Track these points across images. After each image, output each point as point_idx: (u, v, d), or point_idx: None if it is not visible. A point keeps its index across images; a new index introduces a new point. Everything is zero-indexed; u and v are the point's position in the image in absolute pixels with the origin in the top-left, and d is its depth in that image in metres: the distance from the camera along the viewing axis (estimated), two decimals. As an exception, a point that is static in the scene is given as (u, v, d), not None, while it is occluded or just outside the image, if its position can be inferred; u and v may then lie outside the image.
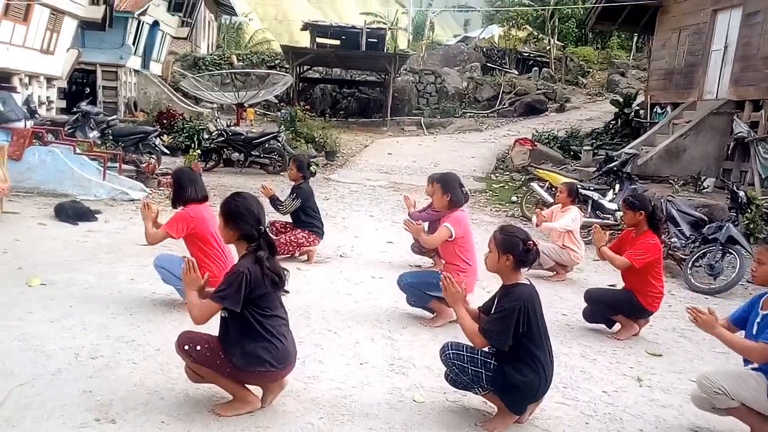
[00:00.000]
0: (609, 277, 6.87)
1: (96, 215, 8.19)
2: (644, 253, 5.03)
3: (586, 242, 7.44)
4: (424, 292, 5.11)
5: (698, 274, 7.29)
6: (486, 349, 3.43)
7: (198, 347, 3.25)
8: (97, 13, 16.79)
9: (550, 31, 30.19)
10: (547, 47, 30.51)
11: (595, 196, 9.41)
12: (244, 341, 3.22)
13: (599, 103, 25.05)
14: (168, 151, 13.11)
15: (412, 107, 26.26)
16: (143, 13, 20.46)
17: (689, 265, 7.27)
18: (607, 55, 32.00)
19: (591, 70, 30.58)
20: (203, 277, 3.41)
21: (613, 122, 17.24)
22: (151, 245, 5.04)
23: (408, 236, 8.73)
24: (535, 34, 32.43)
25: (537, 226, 7.17)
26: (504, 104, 25.86)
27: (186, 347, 3.25)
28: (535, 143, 15.95)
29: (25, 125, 9.99)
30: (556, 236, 6.99)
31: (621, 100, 17.20)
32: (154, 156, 12.20)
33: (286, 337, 3.32)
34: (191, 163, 11.54)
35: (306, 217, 6.85)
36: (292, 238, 6.78)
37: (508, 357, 3.33)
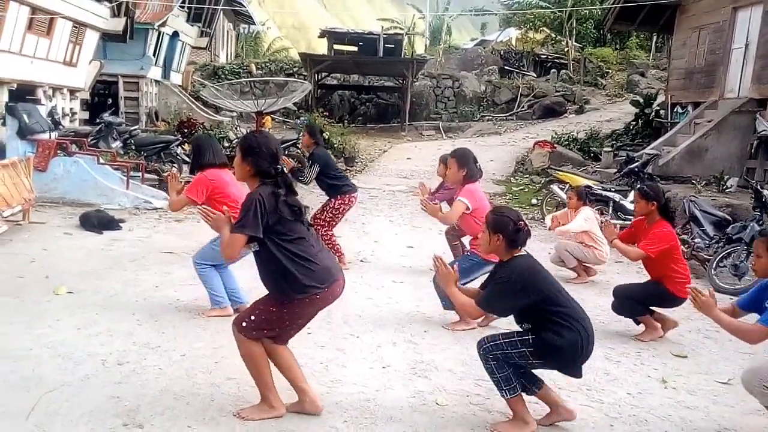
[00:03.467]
0: (632, 278, 6.80)
1: (120, 224, 8.31)
2: (658, 242, 5.02)
3: None
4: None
5: (723, 275, 7.20)
6: (519, 328, 3.46)
7: (252, 316, 3.27)
8: (118, 25, 17.02)
9: (567, 32, 30.05)
10: (565, 49, 30.38)
11: (617, 197, 9.35)
12: (278, 273, 3.21)
13: (619, 104, 24.86)
14: (189, 160, 13.25)
15: (430, 112, 26.27)
16: (163, 24, 20.71)
17: (713, 266, 7.19)
18: (626, 55, 31.77)
19: (610, 71, 30.37)
20: (224, 213, 3.40)
21: (634, 123, 17.11)
22: (174, 212, 5.13)
23: (429, 240, 8.80)
24: (553, 36, 32.32)
25: (550, 229, 7.15)
26: (522, 107, 25.78)
27: (244, 324, 3.27)
28: (555, 145, 15.87)
29: (50, 136, 10.17)
30: (576, 238, 6.96)
31: (641, 100, 17.05)
32: (175, 165, 12.34)
33: (317, 256, 3.27)
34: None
35: (332, 180, 6.84)
36: (327, 211, 6.81)
37: (541, 326, 3.34)
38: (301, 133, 7.21)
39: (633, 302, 5.18)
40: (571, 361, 3.41)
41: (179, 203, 4.98)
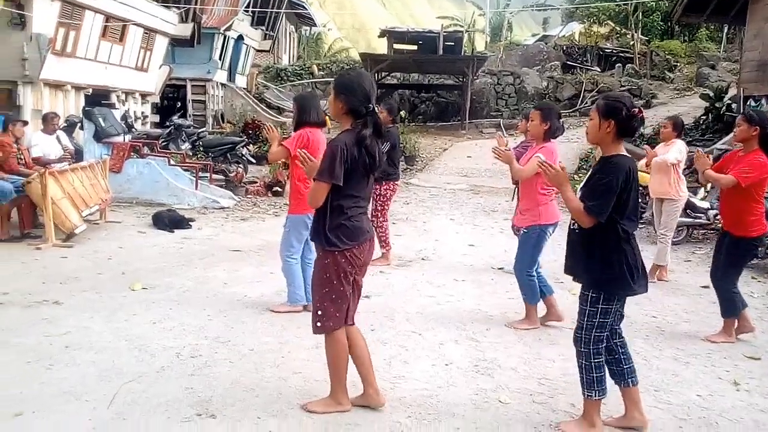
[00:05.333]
0: (701, 279, 6.62)
1: (190, 223, 8.62)
2: (751, 171, 4.77)
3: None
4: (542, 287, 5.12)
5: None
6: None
7: (318, 311, 3.32)
8: (186, 30, 17.61)
9: (633, 25, 29.24)
10: (631, 42, 29.58)
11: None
12: (318, 218, 3.31)
13: (688, 98, 24.04)
14: (254, 161, 13.60)
15: (490, 109, 26.05)
16: (228, 28, 21.31)
17: None
18: (695, 47, 30.70)
19: (678, 64, 29.39)
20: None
21: (704, 117, 16.51)
22: (271, 162, 5.22)
23: (490, 238, 8.77)
24: (618, 29, 31.53)
25: (647, 165, 6.89)
26: (586, 103, 25.23)
27: (318, 324, 3.33)
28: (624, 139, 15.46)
29: (124, 139, 10.63)
30: (662, 172, 6.77)
31: (711, 94, 16.45)
32: (241, 165, 12.69)
33: (356, 216, 3.31)
34: (276, 171, 11.94)
35: (389, 167, 6.83)
36: (377, 199, 6.88)
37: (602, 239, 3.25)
38: (379, 109, 7.25)
39: (723, 270, 4.98)
40: (631, 279, 3.26)
41: (276, 155, 5.15)
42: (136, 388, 3.65)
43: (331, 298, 3.32)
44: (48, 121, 9.17)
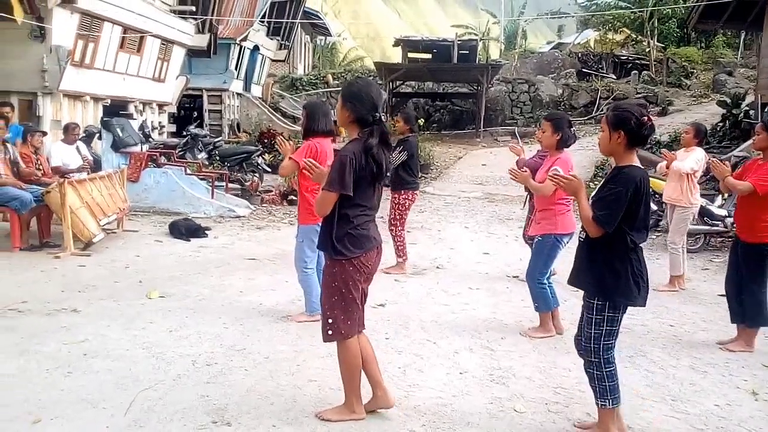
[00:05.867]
0: (719, 287, 6.54)
1: (206, 231, 8.69)
2: None
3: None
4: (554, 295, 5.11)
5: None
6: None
7: (329, 320, 3.34)
8: (202, 41, 17.81)
9: (649, 32, 29.12)
10: (647, 49, 29.43)
11: (703, 201, 8.97)
12: (325, 223, 3.33)
13: (705, 104, 23.85)
14: (270, 169, 13.67)
15: (505, 117, 26.01)
16: (244, 39, 21.50)
17: None
18: (712, 54, 30.48)
19: (695, 71, 29.18)
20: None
21: (721, 124, 16.38)
22: (283, 176, 5.24)
23: (505, 246, 8.75)
24: (634, 36, 31.41)
25: (666, 168, 6.80)
26: (601, 110, 25.11)
27: (329, 332, 3.34)
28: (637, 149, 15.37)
29: (141, 149, 10.74)
30: (677, 178, 6.71)
31: (728, 100, 16.31)
32: (257, 174, 12.77)
33: (364, 224, 3.33)
34: (290, 180, 11.99)
35: (407, 173, 6.86)
36: (394, 208, 6.91)
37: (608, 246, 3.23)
38: (395, 119, 7.27)
39: (759, 279, 4.90)
40: (636, 288, 3.25)
41: (286, 170, 5.18)
42: (152, 395, 3.69)
43: (341, 306, 3.34)
44: (69, 132, 9.30)
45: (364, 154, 3.22)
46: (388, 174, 3.40)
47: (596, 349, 3.30)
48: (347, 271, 3.32)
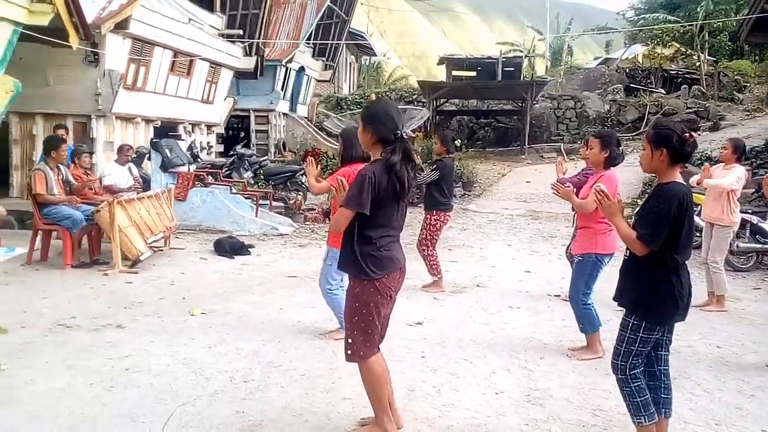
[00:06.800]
0: (771, 307, 6.33)
1: (249, 249, 8.84)
2: None
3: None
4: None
5: None
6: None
7: (349, 340, 3.36)
8: (249, 63, 18.20)
9: (699, 46, 28.46)
10: (697, 63, 28.75)
11: (755, 219, 8.71)
12: (347, 243, 3.34)
13: (759, 119, 23.14)
14: (314, 194, 13.83)
15: (551, 134, 25.75)
16: (290, 60, 21.91)
17: None
18: (766, 67, 29.56)
19: (748, 85, 28.34)
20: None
21: (776, 139, 15.85)
22: (315, 195, 5.26)
23: (548, 264, 8.63)
24: (683, 50, 30.73)
25: (698, 184, 6.60)
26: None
27: (349, 352, 3.36)
28: (686, 165, 15.00)
29: (189, 169, 11.03)
30: (716, 196, 6.54)
31: (784, 114, 15.79)
32: (300, 192, 12.95)
33: (387, 245, 3.34)
34: (332, 198, 12.11)
35: (440, 194, 6.89)
36: (426, 228, 6.93)
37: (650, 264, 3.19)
38: (433, 140, 7.46)
39: None
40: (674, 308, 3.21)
41: (319, 189, 5.21)
42: (190, 410, 3.76)
43: (360, 328, 3.35)
44: (122, 153, 9.64)
45: (387, 172, 3.23)
46: (412, 190, 3.40)
47: (623, 367, 3.28)
48: (369, 292, 3.33)
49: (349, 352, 3.39)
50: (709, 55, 29.54)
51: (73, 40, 9.09)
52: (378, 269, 3.31)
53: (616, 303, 3.43)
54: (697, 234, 7.08)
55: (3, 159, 12.05)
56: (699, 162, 16.13)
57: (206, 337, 5.12)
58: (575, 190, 5.14)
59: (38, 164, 7.89)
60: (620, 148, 5.15)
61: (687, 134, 3.18)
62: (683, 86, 27.85)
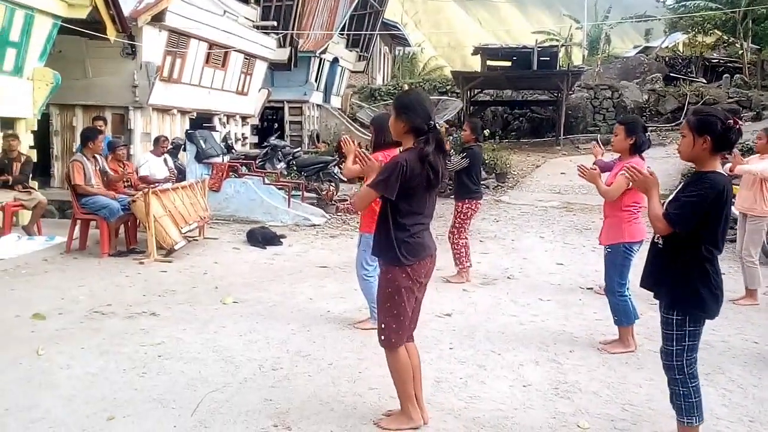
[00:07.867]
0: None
1: (281, 239, 8.92)
2: None
3: None
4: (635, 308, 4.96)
5: None
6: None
7: (382, 325, 3.39)
8: (283, 55, 18.31)
9: (742, 34, 27.65)
10: (740, 51, 27.98)
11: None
12: (380, 230, 3.37)
13: (805, 108, 22.43)
14: (346, 179, 13.87)
15: (587, 124, 25.35)
16: (324, 51, 21.97)
17: None
18: (812, 54, 28.61)
19: (794, 73, 27.47)
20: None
21: (822, 129, 15.33)
22: (348, 178, 5.97)
23: (581, 256, 8.51)
24: (725, 38, 29.91)
25: (731, 171, 6.38)
26: (690, 116, 24.05)
27: (382, 337, 3.39)
28: (726, 156, 14.63)
29: (223, 160, 11.16)
30: (749, 185, 6.39)
31: (831, 103, 15.26)
32: (332, 183, 13.00)
33: (419, 233, 3.36)
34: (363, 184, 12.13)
35: (470, 182, 6.90)
36: (456, 216, 6.94)
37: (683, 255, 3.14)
38: (463, 127, 7.47)
39: None
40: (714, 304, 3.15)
41: (353, 171, 5.11)
42: (219, 397, 3.82)
43: (393, 314, 3.37)
44: (158, 144, 9.81)
45: (420, 162, 3.24)
46: (444, 180, 3.40)
47: (680, 366, 3.19)
48: (401, 278, 3.34)
49: (382, 337, 3.41)
50: (752, 43, 28.68)
51: (111, 33, 9.27)
52: (411, 255, 3.33)
53: (645, 288, 3.36)
54: (734, 226, 6.92)
55: (45, 150, 12.37)
56: (741, 151, 15.70)
57: (237, 326, 5.20)
58: (600, 174, 5.06)
59: (76, 155, 8.07)
60: (647, 134, 5.06)
61: (731, 120, 3.08)
62: (725, 75, 27.14)
